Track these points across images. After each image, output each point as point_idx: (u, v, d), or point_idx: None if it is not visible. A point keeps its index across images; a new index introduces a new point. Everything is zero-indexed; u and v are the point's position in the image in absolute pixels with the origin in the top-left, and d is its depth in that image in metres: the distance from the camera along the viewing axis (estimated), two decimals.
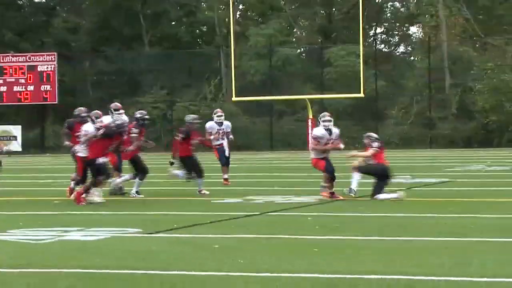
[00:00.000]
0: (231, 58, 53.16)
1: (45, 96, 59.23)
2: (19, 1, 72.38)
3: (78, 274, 10.18)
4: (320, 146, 19.82)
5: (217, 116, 25.98)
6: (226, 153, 24.80)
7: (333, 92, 58.77)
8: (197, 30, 71.51)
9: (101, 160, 19.45)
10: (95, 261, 11.13)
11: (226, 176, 25.48)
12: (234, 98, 50.97)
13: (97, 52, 65.87)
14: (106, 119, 21.76)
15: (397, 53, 74.26)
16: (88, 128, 19.67)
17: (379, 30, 72.80)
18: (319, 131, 19.83)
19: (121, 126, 20.38)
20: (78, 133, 20.25)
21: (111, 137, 19.93)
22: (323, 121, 19.94)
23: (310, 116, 50.30)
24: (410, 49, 73.13)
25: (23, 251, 12.48)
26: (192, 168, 22.07)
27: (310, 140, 21.41)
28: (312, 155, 20.32)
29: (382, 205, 19.18)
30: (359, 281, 9.15)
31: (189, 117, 23.28)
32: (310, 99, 53.11)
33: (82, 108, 22.67)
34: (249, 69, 62.65)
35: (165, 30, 68.65)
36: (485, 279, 9.08)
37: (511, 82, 56.85)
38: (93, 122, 20.25)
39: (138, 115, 23.18)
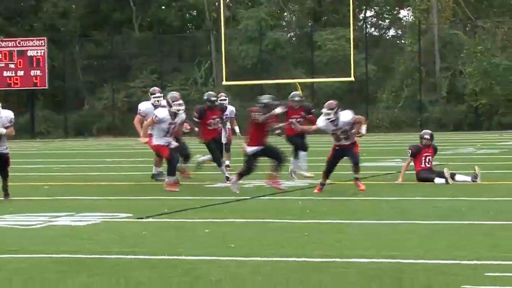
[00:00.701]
0: (221, 42, 53.32)
1: (35, 81, 59.33)
2: None
3: (68, 260, 10.24)
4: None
5: (221, 100, 23.84)
6: (223, 140, 22.06)
7: (323, 76, 58.98)
8: (187, 14, 71.62)
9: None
10: (85, 246, 11.23)
11: (227, 162, 23.39)
12: (224, 83, 51.08)
13: (86, 36, 65.89)
14: (143, 105, 21.68)
15: (387, 37, 74.51)
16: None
17: (369, 13, 73.05)
18: (320, 122, 18.08)
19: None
20: (212, 119, 19.35)
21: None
22: (324, 114, 17.89)
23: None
24: (400, 32, 73.30)
25: (13, 236, 12.64)
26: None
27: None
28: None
29: (372, 189, 19.12)
30: (350, 264, 9.22)
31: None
32: (300, 83, 53.24)
33: (211, 92, 21.54)
34: (240, 53, 62.71)
35: (155, 14, 68.70)
36: (475, 261, 9.19)
37: (501, 65, 57.07)
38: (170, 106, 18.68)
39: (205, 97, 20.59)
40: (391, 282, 8.40)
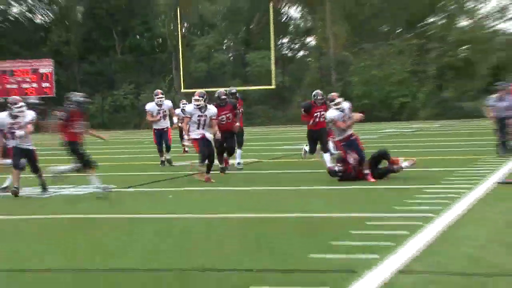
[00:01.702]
0: (179, 62, 53.23)
1: (45, 91, 58.74)
2: (23, 21, 70.90)
3: (73, 219, 10.35)
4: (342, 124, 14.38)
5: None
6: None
7: (252, 84, 58.78)
8: (155, 42, 70.87)
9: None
10: (86, 209, 11.27)
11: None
12: (182, 90, 50.91)
13: (83, 58, 65.01)
14: (149, 105, 19.90)
15: (298, 57, 74.15)
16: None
17: (285, 40, 72.58)
18: (332, 113, 14.62)
19: None
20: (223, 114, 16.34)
21: None
22: (334, 104, 14.61)
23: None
24: (307, 53, 72.98)
25: (30, 203, 12.58)
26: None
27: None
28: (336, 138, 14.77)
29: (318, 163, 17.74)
30: (279, 218, 9.41)
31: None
32: (237, 90, 53.06)
33: (221, 90, 17.91)
34: (194, 69, 62.45)
35: (132, 42, 67.94)
36: (325, 213, 9.45)
37: (377, 76, 57.68)
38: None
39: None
40: (313, 228, 8.64)
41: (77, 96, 13.31)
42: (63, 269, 6.76)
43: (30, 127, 12.84)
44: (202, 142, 14.11)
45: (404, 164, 12.98)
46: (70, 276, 6.55)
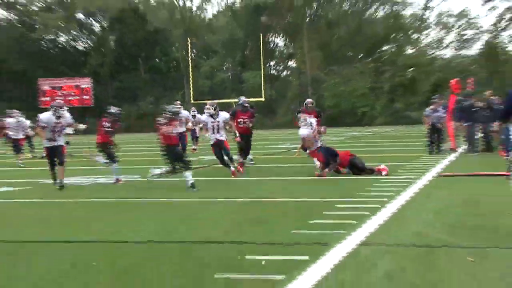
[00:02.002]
0: (189, 79, 53.16)
1: (85, 102, 58.64)
2: (69, 48, 70.93)
3: (100, 202, 10.33)
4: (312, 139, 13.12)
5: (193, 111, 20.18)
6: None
7: (246, 97, 58.56)
8: (171, 64, 70.75)
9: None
10: (114, 193, 11.24)
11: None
12: (192, 101, 50.80)
13: (114, 77, 64.96)
14: None
15: (282, 75, 74.15)
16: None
17: (272, 62, 72.53)
18: (303, 131, 13.32)
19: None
20: (241, 118, 15.36)
21: None
22: (301, 122, 13.46)
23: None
24: (289, 73, 73.09)
25: (74, 189, 12.40)
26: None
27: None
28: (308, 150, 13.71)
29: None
30: (270, 202, 9.40)
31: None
32: (235, 102, 53.15)
33: (245, 98, 16.60)
34: (201, 85, 62.37)
35: (152, 64, 67.88)
36: (304, 198, 9.43)
37: (344, 91, 57.78)
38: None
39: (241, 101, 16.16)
40: (294, 209, 8.63)
41: (115, 109, 13.38)
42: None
43: (72, 127, 12.85)
44: (216, 147, 13.46)
45: (384, 173, 12.65)
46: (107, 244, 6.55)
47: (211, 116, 13.33)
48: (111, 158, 13.04)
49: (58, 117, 12.01)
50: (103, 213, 9.11)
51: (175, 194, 10.76)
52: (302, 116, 13.83)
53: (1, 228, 8.00)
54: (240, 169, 13.89)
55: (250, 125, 15.58)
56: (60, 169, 12.16)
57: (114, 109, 13.37)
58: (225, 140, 13.49)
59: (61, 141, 12.31)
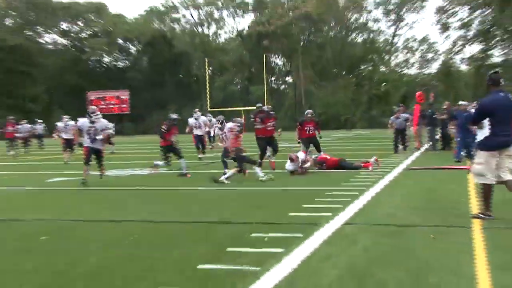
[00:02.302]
0: (207, 92, 53.12)
1: (123, 110, 58.56)
2: (111, 67, 71.14)
3: (137, 190, 10.32)
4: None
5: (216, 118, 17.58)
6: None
7: (252, 106, 58.47)
8: (192, 79, 70.72)
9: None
10: (145, 183, 11.23)
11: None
12: (208, 109, 50.65)
13: (147, 90, 64.75)
14: (191, 120, 18.12)
15: (281, 88, 73.90)
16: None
17: (273, 78, 72.33)
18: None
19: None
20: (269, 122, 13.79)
21: None
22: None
23: (243, 121, 50.23)
24: (287, 86, 73.02)
25: (115, 179, 12.42)
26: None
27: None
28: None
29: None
30: (265, 190, 9.33)
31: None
32: (243, 110, 53.16)
33: (269, 106, 15.89)
34: (216, 96, 62.27)
35: (177, 79, 67.92)
36: (299, 187, 9.36)
37: (330, 101, 57.77)
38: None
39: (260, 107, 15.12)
40: (291, 196, 8.59)
41: (174, 115, 12.92)
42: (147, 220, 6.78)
43: (106, 134, 11.39)
44: (225, 152, 12.30)
45: (370, 168, 12.23)
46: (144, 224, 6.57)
47: (220, 129, 12.40)
48: (178, 155, 12.42)
49: (92, 122, 11.11)
50: (139, 199, 9.11)
51: (200, 184, 10.76)
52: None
53: (57, 209, 7.98)
54: (273, 165, 13.34)
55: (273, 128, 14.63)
56: (101, 168, 11.41)
57: (173, 115, 12.91)
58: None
59: (98, 144, 11.21)
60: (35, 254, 5.27)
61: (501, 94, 6.21)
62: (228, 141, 11.68)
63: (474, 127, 6.58)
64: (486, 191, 6.24)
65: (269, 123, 13.86)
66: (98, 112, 11.25)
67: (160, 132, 12.46)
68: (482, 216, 6.26)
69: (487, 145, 6.19)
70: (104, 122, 11.31)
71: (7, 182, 12.21)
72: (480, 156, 6.27)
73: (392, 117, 18.44)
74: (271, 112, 14.48)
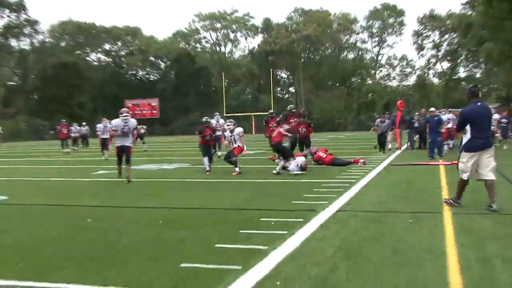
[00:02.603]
0: (223, 100, 53.19)
1: (154, 114, 58.76)
2: (144, 79, 71.31)
3: (165, 181, 10.34)
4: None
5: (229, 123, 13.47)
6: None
7: (261, 112, 58.18)
8: (211, 89, 70.38)
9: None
10: (172, 176, 11.26)
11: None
12: (224, 114, 50.66)
13: (173, 98, 64.53)
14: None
15: (285, 97, 72.91)
16: None
17: (278, 88, 71.95)
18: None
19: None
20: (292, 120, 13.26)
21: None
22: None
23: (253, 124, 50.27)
24: (290, 95, 72.42)
25: (145, 172, 12.50)
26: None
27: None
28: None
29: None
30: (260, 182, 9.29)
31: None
32: (253, 115, 53.15)
33: (291, 105, 14.89)
34: (231, 103, 62.02)
35: (199, 89, 67.82)
36: (300, 180, 9.30)
37: (327, 108, 57.55)
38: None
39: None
40: (293, 187, 8.52)
41: (207, 118, 12.45)
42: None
43: (137, 130, 10.88)
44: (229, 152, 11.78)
45: (361, 161, 12.03)
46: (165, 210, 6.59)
47: (231, 131, 11.55)
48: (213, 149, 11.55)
49: (126, 122, 10.36)
50: (166, 188, 9.14)
51: (215, 177, 10.79)
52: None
53: (102, 197, 8.00)
54: (273, 158, 12.73)
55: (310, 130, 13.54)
56: (127, 168, 10.25)
57: (204, 119, 12.35)
58: (236, 147, 11.56)
59: (129, 141, 10.40)
60: (87, 230, 5.36)
61: (479, 104, 6.16)
62: (238, 143, 11.48)
63: (458, 133, 6.49)
64: (462, 184, 6.20)
65: (291, 121, 13.25)
66: (126, 114, 10.58)
67: (199, 132, 11.90)
68: (452, 202, 6.24)
69: (469, 147, 6.13)
70: (133, 121, 10.72)
71: (61, 175, 12.32)
72: (463, 157, 6.20)
73: (378, 121, 18.30)
74: (294, 110, 13.83)
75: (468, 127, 6.14)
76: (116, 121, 10.55)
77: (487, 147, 6.06)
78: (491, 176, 5.98)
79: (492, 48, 31.39)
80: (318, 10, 67.36)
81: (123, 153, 10.31)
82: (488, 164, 6.01)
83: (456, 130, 6.57)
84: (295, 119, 13.17)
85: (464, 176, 6.16)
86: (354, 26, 67.05)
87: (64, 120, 25.63)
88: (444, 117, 16.55)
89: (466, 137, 6.19)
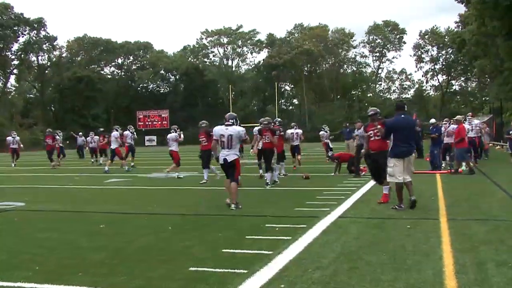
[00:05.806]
0: (230, 111, 53.15)
1: (164, 125, 58.81)
2: (155, 92, 71.75)
3: (173, 189, 10.33)
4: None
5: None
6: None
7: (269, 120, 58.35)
8: (218, 101, 70.64)
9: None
10: (180, 184, 11.24)
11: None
12: None
13: (182, 110, 64.85)
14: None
15: (289, 108, 73.07)
16: None
17: (282, 100, 71.94)
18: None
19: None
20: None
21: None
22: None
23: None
24: (293, 107, 72.62)
25: (155, 180, 12.39)
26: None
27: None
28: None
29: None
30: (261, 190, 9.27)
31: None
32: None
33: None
34: (237, 115, 61.63)
35: (207, 101, 68.12)
36: (303, 188, 9.30)
37: (329, 119, 57.44)
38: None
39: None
40: (296, 195, 8.50)
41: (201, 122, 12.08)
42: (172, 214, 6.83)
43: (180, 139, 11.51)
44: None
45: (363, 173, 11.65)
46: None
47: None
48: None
49: (132, 133, 10.28)
50: (175, 195, 9.14)
51: (215, 184, 10.69)
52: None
53: (114, 203, 8.07)
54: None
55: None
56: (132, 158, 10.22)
57: (203, 123, 11.84)
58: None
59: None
60: (100, 235, 5.41)
61: (403, 116, 6.76)
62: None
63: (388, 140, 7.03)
64: (397, 188, 6.62)
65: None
66: (131, 126, 11.15)
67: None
68: (396, 207, 6.56)
69: (395, 153, 6.66)
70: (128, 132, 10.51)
71: (77, 182, 12.39)
72: (391, 162, 6.67)
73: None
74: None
75: (392, 136, 6.73)
76: (126, 133, 10.09)
77: (409, 155, 6.66)
78: (409, 178, 6.67)
79: (484, 64, 31.74)
80: (317, 25, 67.69)
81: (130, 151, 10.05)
82: (409, 169, 6.66)
83: (382, 138, 7.10)
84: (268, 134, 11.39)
85: (394, 179, 6.61)
86: (351, 41, 67.06)
87: (49, 130, 20.44)
88: (450, 127, 16.25)
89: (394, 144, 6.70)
